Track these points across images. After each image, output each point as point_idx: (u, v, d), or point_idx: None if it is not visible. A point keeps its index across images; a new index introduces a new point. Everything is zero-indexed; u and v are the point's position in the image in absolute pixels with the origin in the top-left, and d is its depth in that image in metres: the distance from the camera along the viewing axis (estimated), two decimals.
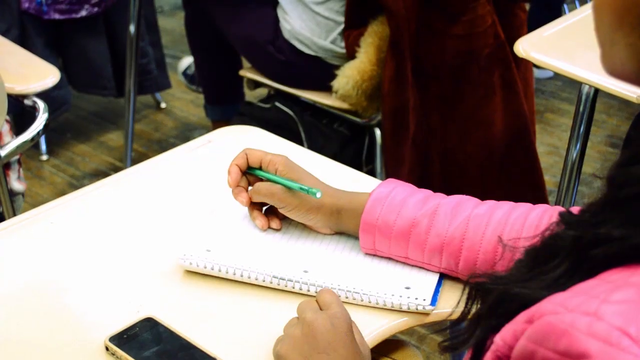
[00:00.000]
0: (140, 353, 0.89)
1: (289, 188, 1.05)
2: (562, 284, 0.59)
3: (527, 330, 0.57)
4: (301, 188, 1.03)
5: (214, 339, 0.93)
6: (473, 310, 0.73)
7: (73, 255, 1.06)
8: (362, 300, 0.98)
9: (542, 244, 0.66)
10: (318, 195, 1.02)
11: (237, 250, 1.05)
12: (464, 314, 0.74)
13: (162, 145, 3.10)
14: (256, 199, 1.09)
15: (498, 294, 0.65)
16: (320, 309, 0.89)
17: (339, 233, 1.09)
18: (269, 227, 1.09)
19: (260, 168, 1.08)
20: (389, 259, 1.04)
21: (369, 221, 1.02)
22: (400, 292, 0.99)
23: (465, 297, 0.74)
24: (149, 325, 0.93)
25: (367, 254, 1.05)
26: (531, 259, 0.67)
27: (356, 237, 1.06)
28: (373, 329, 0.96)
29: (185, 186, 1.22)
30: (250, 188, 1.10)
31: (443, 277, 1.03)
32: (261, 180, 1.09)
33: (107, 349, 0.91)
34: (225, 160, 1.23)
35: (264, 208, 1.12)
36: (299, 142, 2.23)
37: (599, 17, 0.63)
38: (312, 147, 2.22)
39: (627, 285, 0.54)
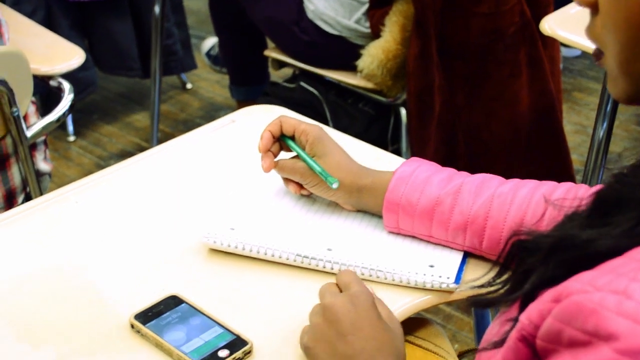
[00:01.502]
0: (165, 330, 0.90)
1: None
2: (637, 234, 0.58)
3: (554, 310, 0.56)
4: (321, 173, 1.04)
5: (237, 316, 0.93)
6: (505, 276, 0.72)
7: (98, 234, 1.07)
8: (385, 279, 0.98)
9: (603, 195, 0.65)
10: (334, 185, 1.04)
11: (261, 229, 1.05)
12: (500, 274, 0.74)
13: (188, 126, 3.11)
14: (280, 174, 1.10)
15: (555, 241, 0.63)
16: (340, 292, 0.87)
17: (363, 211, 1.09)
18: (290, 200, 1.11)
19: (293, 136, 1.09)
20: (413, 237, 1.04)
21: (393, 200, 1.02)
22: (424, 270, 0.99)
23: (490, 273, 0.74)
24: (174, 303, 0.94)
25: (390, 232, 1.05)
26: (594, 209, 0.65)
27: (379, 216, 1.05)
28: (396, 307, 0.95)
29: (209, 165, 1.22)
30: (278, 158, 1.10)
31: (467, 255, 1.02)
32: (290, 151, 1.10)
33: (132, 326, 0.91)
34: (248, 139, 1.23)
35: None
36: (324, 121, 2.22)
37: (615, 38, 0.61)
38: (337, 126, 2.22)
39: None
